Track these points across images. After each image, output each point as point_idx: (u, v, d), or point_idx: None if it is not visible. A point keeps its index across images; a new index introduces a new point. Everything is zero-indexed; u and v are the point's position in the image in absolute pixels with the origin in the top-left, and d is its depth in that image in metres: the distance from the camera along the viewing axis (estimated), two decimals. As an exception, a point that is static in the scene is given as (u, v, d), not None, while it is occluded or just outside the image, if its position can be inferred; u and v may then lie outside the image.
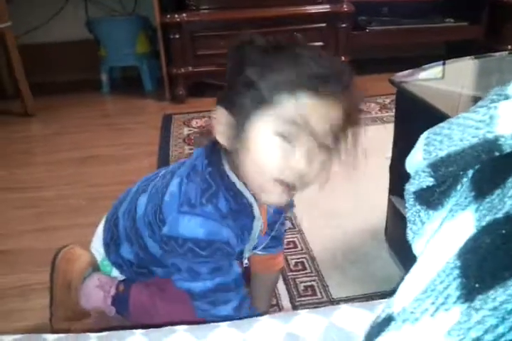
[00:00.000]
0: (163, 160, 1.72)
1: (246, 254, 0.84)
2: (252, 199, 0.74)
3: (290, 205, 0.86)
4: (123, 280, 0.93)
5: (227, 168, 0.72)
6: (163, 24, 2.21)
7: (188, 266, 0.72)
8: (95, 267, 0.95)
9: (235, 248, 0.74)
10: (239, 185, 0.72)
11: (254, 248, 0.84)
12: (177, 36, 2.21)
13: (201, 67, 2.25)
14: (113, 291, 0.92)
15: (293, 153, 0.64)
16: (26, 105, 2.23)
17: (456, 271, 0.35)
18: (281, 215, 0.85)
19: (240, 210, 0.74)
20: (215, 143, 0.72)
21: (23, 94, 2.21)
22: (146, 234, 0.82)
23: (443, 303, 0.33)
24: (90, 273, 0.94)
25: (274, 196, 0.68)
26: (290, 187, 0.67)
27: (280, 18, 2.20)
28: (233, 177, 0.72)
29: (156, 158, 1.74)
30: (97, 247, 0.94)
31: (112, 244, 0.90)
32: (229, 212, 0.72)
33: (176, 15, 2.19)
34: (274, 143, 0.64)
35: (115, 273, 0.93)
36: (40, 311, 1.04)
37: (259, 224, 0.78)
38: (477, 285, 0.32)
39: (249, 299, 0.79)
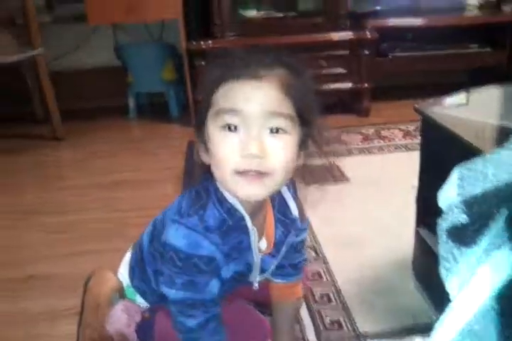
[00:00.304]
0: (188, 185, 1.74)
1: (255, 278, 0.83)
2: (243, 212, 0.74)
3: (296, 225, 0.85)
4: (148, 307, 0.94)
5: (218, 182, 0.73)
6: (189, 51, 2.26)
7: (168, 273, 0.74)
8: (121, 293, 0.96)
9: (217, 266, 0.74)
10: (229, 197, 0.73)
11: (263, 271, 0.83)
12: (202, 63, 2.25)
13: (226, 93, 2.29)
14: (138, 318, 0.92)
15: (240, 141, 0.66)
16: (56, 130, 2.29)
17: (493, 313, 0.35)
18: (289, 234, 0.83)
19: (232, 227, 0.74)
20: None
21: (52, 118, 2.27)
22: (156, 247, 0.84)
23: (482, 347, 0.33)
24: (117, 299, 0.95)
25: (246, 188, 0.67)
26: (257, 175, 0.67)
27: (304, 45, 2.24)
28: (222, 190, 0.73)
29: (180, 183, 1.76)
30: (124, 273, 0.95)
31: (136, 267, 0.91)
32: (217, 227, 0.73)
33: (202, 43, 2.24)
34: (222, 136, 0.67)
35: (139, 300, 0.94)
36: (67, 337, 1.05)
37: (256, 240, 0.77)
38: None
39: (218, 320, 0.78)
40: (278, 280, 0.89)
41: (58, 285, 1.24)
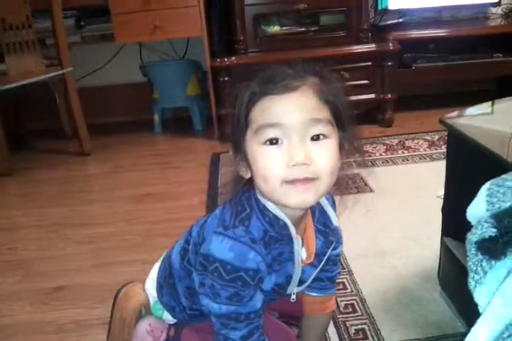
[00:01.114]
0: (212, 197, 1.76)
1: (293, 289, 0.83)
2: (287, 220, 0.74)
3: (337, 234, 0.85)
4: (174, 324, 0.94)
5: (258, 193, 0.74)
6: (213, 67, 2.31)
7: (212, 285, 0.72)
8: (147, 308, 0.96)
9: (261, 278, 0.74)
10: (271, 207, 0.74)
11: (301, 282, 0.83)
12: (226, 78, 2.29)
13: (249, 107, 2.32)
14: (164, 336, 0.93)
15: (285, 152, 0.68)
16: (83, 145, 2.35)
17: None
18: (330, 244, 0.84)
19: (274, 237, 0.74)
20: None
21: (80, 134, 2.33)
22: (193, 260, 0.83)
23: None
24: (143, 314, 0.95)
25: (298, 195, 0.68)
26: (306, 181, 0.68)
27: (326, 58, 2.26)
28: (264, 201, 0.74)
29: (205, 195, 1.79)
30: (150, 289, 0.95)
31: (165, 284, 0.90)
32: (262, 238, 0.73)
33: (226, 59, 2.28)
34: (266, 151, 0.68)
35: (167, 316, 0.93)
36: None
37: (299, 249, 0.77)
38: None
39: (261, 331, 0.78)
40: (314, 294, 0.89)
41: (88, 295, 1.26)
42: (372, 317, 1.08)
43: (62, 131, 2.60)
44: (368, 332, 1.04)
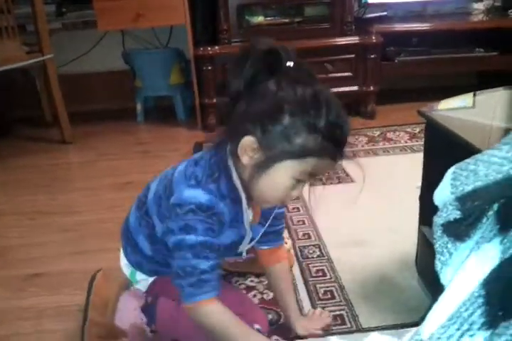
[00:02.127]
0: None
1: (244, 247, 0.96)
2: (242, 194, 0.86)
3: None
4: (152, 294, 1.00)
5: (231, 165, 0.85)
6: (196, 56, 2.30)
7: (186, 224, 0.82)
8: (127, 284, 1.04)
9: (225, 226, 0.86)
10: (235, 178, 0.85)
11: (251, 240, 0.95)
12: (209, 68, 2.28)
13: (232, 97, 2.32)
14: (142, 302, 0.99)
15: (297, 190, 0.84)
16: (64, 133, 2.32)
17: (481, 300, 0.37)
18: (275, 207, 0.96)
19: (234, 199, 0.86)
20: (219, 144, 0.87)
21: (61, 122, 2.31)
22: (154, 211, 0.92)
23: (468, 330, 0.35)
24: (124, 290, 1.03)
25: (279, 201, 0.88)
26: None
27: (310, 50, 2.26)
28: (233, 174, 0.85)
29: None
30: (123, 261, 1.02)
31: (128, 244, 0.99)
32: (228, 195, 0.85)
33: (209, 48, 2.27)
34: (288, 183, 0.81)
35: (139, 276, 1.00)
36: (74, 332, 1.07)
37: (249, 213, 0.90)
38: (500, 313, 0.34)
39: (219, 269, 0.89)
40: (265, 247, 1.03)
41: (66, 283, 1.26)
42: (351, 304, 1.10)
43: (43, 118, 2.57)
44: (346, 318, 1.06)
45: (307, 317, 1.04)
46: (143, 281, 1.00)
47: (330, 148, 0.79)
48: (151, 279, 1.00)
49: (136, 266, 0.99)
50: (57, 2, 2.50)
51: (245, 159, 0.81)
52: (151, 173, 1.77)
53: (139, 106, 2.62)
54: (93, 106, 2.73)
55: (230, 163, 0.85)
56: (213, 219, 0.82)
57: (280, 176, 0.80)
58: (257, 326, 0.93)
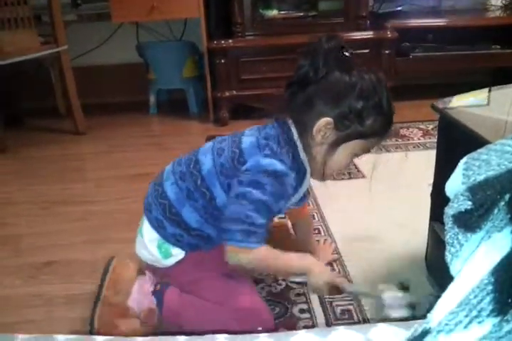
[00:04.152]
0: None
1: (284, 210, 1.08)
2: (307, 167, 0.97)
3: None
4: (161, 281, 1.04)
5: (297, 141, 0.94)
6: (209, 49, 2.30)
7: (257, 180, 0.90)
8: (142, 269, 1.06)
9: (291, 192, 0.96)
10: (302, 153, 0.95)
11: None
12: (223, 61, 2.28)
13: (245, 91, 2.32)
14: (152, 288, 1.02)
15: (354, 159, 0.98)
16: (77, 124, 2.34)
17: (490, 287, 0.37)
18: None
19: (298, 172, 0.95)
20: (285, 121, 0.96)
21: (74, 113, 2.33)
22: (215, 182, 0.95)
23: (476, 316, 0.35)
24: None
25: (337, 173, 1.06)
26: None
27: (324, 44, 2.25)
28: (300, 149, 0.94)
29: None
30: (149, 239, 1.01)
31: (167, 219, 0.99)
32: (295, 168, 0.94)
33: (223, 42, 2.27)
34: (350, 159, 0.96)
35: (176, 251, 0.99)
36: (84, 320, 1.08)
37: (306, 184, 1.02)
38: (510, 300, 0.34)
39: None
40: (295, 207, 1.12)
41: (77, 271, 1.28)
42: (358, 299, 1.10)
43: (57, 109, 2.59)
44: (354, 313, 1.06)
45: (320, 247, 1.25)
46: (172, 258, 1.00)
47: (388, 128, 0.93)
48: (180, 256, 1.00)
49: (175, 240, 0.99)
50: (73, -6, 2.51)
51: (319, 138, 0.91)
52: (162, 165, 1.79)
53: (151, 99, 2.63)
54: (106, 98, 2.75)
55: (297, 139, 0.94)
56: (281, 187, 0.91)
57: (346, 153, 0.93)
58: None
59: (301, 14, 2.39)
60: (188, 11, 2.29)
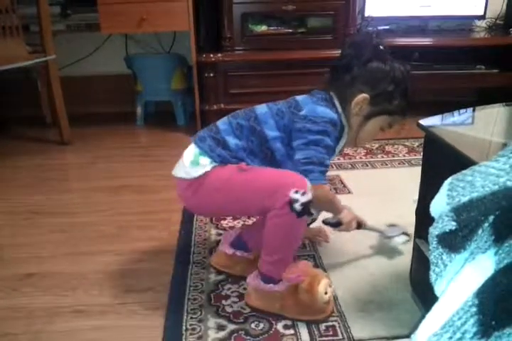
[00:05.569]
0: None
1: None
2: (347, 129, 1.17)
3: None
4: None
5: (339, 108, 1.15)
6: (198, 63, 2.31)
7: (324, 129, 1.09)
8: None
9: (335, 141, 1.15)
10: (343, 120, 1.16)
11: None
12: (211, 75, 2.30)
13: (232, 104, 2.32)
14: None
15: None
16: (63, 134, 2.32)
17: (474, 309, 0.37)
18: None
19: (339, 132, 1.15)
20: (328, 92, 1.17)
21: (60, 123, 2.31)
22: (269, 122, 1.11)
23: (460, 338, 0.35)
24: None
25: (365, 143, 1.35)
26: None
27: (312, 61, 2.28)
28: (342, 117, 1.15)
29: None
30: (187, 154, 1.13)
31: (212, 139, 1.12)
32: (339, 120, 1.14)
33: (212, 55, 2.28)
34: (378, 131, 1.20)
35: (204, 161, 1.09)
36: (65, 334, 1.07)
37: (342, 144, 1.19)
38: (493, 323, 0.34)
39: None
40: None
41: (58, 283, 1.25)
42: (343, 315, 1.09)
43: (43, 119, 2.57)
44: (338, 330, 1.05)
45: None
46: (200, 167, 1.09)
47: (408, 109, 1.16)
48: (208, 168, 1.08)
49: (209, 150, 1.10)
50: (63, 4, 2.51)
51: (356, 110, 1.14)
52: (147, 177, 1.78)
53: (139, 110, 2.63)
54: (93, 108, 2.74)
55: (339, 107, 1.15)
56: (336, 133, 1.12)
57: (375, 126, 1.17)
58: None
59: (290, 31, 2.41)
60: (177, 24, 2.30)
